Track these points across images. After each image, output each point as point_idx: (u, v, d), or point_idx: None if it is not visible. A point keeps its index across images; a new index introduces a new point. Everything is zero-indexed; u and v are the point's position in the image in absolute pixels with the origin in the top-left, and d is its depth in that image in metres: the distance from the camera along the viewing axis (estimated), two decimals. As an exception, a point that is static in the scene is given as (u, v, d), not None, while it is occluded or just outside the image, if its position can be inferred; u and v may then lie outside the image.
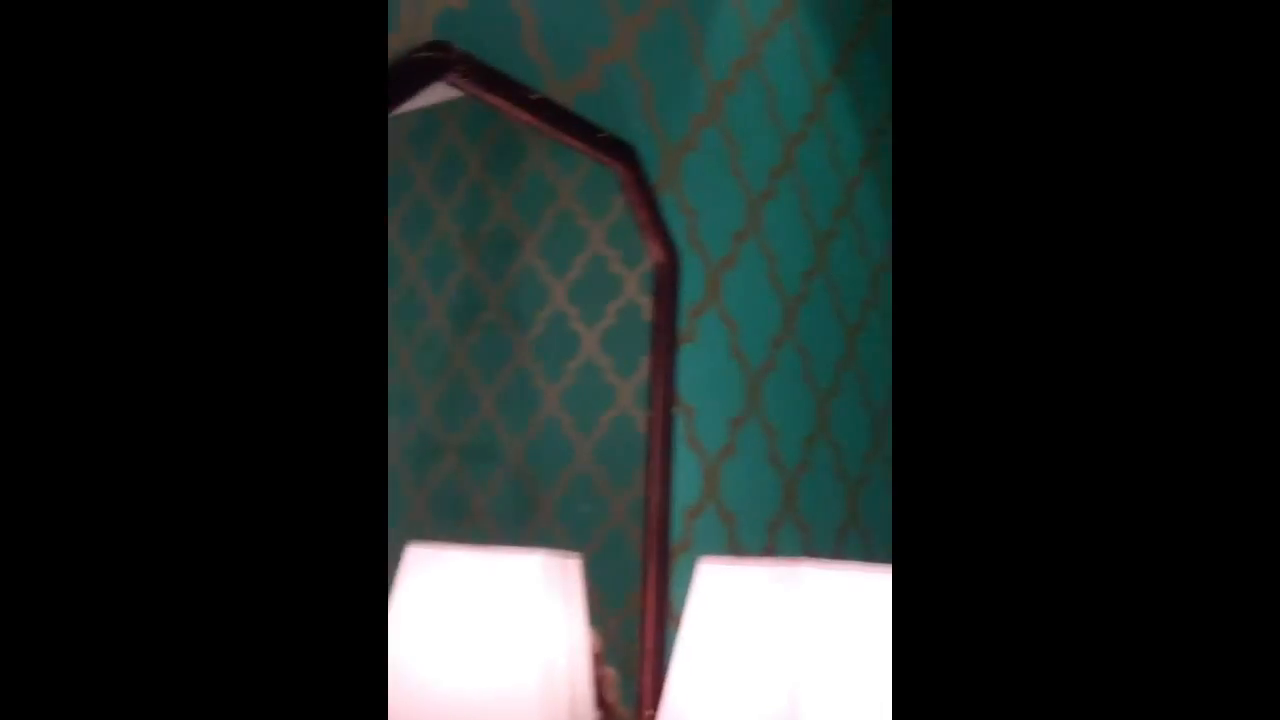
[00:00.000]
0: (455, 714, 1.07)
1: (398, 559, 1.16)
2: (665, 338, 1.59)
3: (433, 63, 1.25)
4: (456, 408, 1.38)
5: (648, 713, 1.51)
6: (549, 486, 1.45)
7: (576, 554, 1.23)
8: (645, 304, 1.59)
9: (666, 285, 1.60)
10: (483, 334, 1.41)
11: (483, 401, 1.40)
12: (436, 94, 1.30)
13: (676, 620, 1.56)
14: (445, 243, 1.39)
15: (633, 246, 1.57)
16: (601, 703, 1.46)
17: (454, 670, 1.09)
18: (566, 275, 1.49)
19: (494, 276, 1.44)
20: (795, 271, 2.00)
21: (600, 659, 1.47)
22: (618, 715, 1.49)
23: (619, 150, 1.53)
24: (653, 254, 1.59)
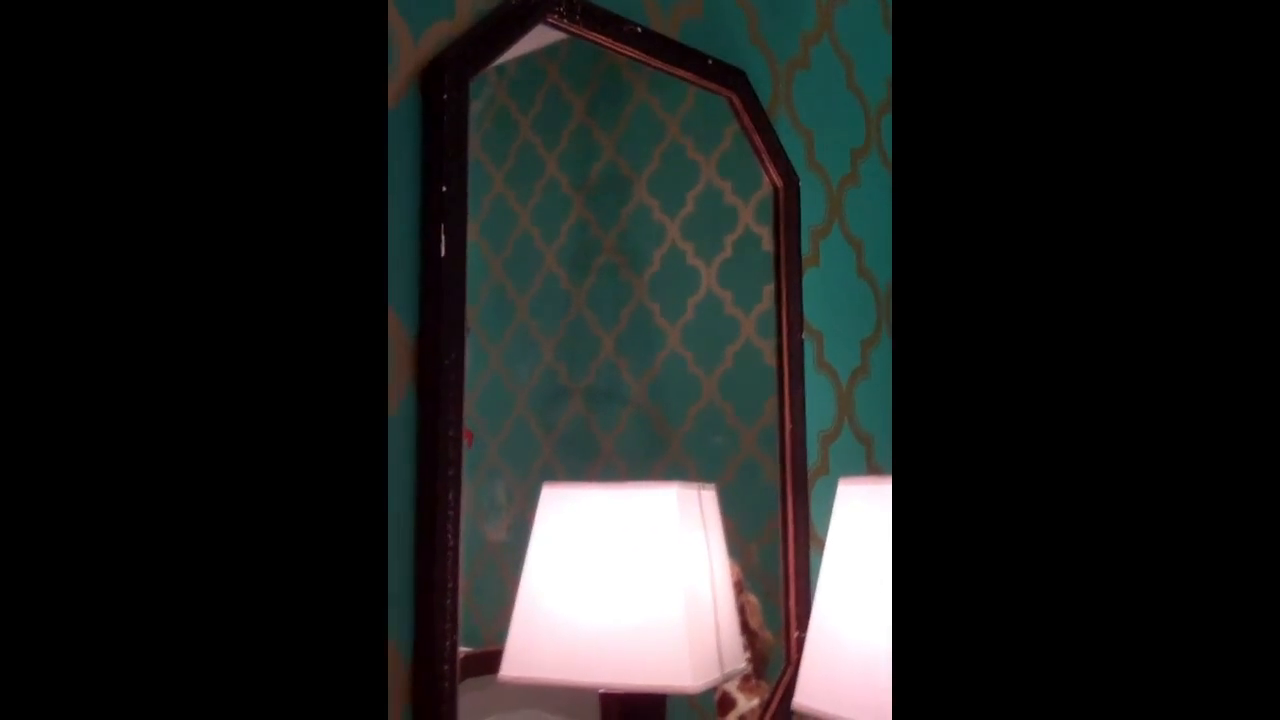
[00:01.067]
0: (604, 648, 1.10)
1: (533, 501, 1.19)
2: (790, 264, 1.57)
3: (531, 6, 1.24)
4: (579, 352, 1.40)
5: (796, 634, 1.52)
6: (677, 424, 1.46)
7: (712, 485, 1.24)
8: (763, 233, 1.56)
9: (787, 211, 1.57)
10: (600, 277, 1.42)
11: (604, 344, 1.41)
12: (536, 39, 1.30)
13: (818, 544, 1.56)
14: (555, 189, 1.40)
15: (746, 176, 1.54)
16: (745, 629, 1.48)
17: (598, 605, 1.11)
18: (680, 211, 1.48)
19: (606, 219, 1.44)
20: (923, 182, 1.93)
21: (741, 586, 1.49)
22: (762, 640, 1.51)
23: (730, 76, 1.49)
24: (770, 180, 1.56)
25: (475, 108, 1.21)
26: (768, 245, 1.56)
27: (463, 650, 1.18)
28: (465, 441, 1.31)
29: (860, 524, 1.12)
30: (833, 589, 1.14)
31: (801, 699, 1.14)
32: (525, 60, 1.34)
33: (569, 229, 1.40)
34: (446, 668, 1.08)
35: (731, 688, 1.47)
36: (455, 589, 1.08)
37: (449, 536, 1.08)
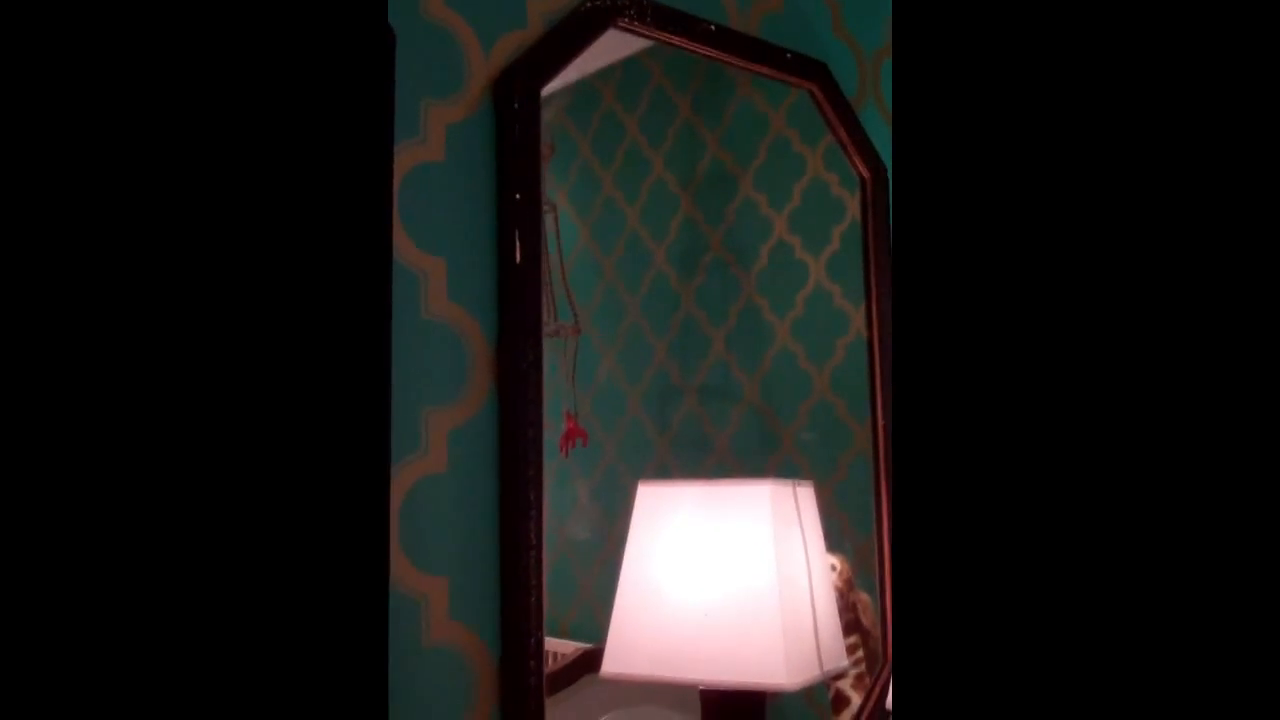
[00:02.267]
0: (700, 645, 1.10)
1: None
2: (879, 257, 1.53)
3: (599, 11, 1.23)
4: (690, 351, 1.40)
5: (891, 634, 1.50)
6: (789, 420, 1.46)
7: (809, 481, 1.23)
8: (870, 225, 1.55)
9: (875, 202, 1.54)
10: (708, 275, 1.42)
11: (715, 342, 1.41)
12: (639, 42, 1.30)
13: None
14: (662, 188, 1.40)
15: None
16: (858, 627, 1.47)
17: (694, 603, 1.11)
18: (787, 205, 1.47)
19: (713, 216, 1.44)
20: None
21: (852, 584, 1.47)
22: (874, 639, 1.50)
23: (810, 69, 1.47)
24: (857, 171, 1.54)
25: (547, 115, 1.22)
26: (876, 237, 1.55)
27: (584, 646, 1.19)
28: (581, 441, 1.32)
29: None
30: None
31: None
32: (630, 61, 1.34)
33: (677, 227, 1.40)
34: (533, 664, 1.09)
35: (845, 685, 1.46)
36: (540, 586, 1.09)
37: (531, 535, 1.09)
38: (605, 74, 1.34)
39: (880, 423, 1.51)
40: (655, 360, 1.38)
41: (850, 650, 1.46)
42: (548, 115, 1.21)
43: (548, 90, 1.27)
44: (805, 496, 1.20)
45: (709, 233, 1.43)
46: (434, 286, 1.07)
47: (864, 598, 1.49)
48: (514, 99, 1.14)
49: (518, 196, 1.13)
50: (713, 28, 1.35)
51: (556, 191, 1.30)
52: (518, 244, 1.13)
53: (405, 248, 1.05)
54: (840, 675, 1.42)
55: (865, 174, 1.54)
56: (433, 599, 1.03)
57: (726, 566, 1.12)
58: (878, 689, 1.46)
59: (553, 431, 1.28)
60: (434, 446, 1.05)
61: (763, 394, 1.44)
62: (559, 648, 1.27)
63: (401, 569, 1.01)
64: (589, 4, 1.23)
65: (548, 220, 1.28)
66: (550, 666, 1.27)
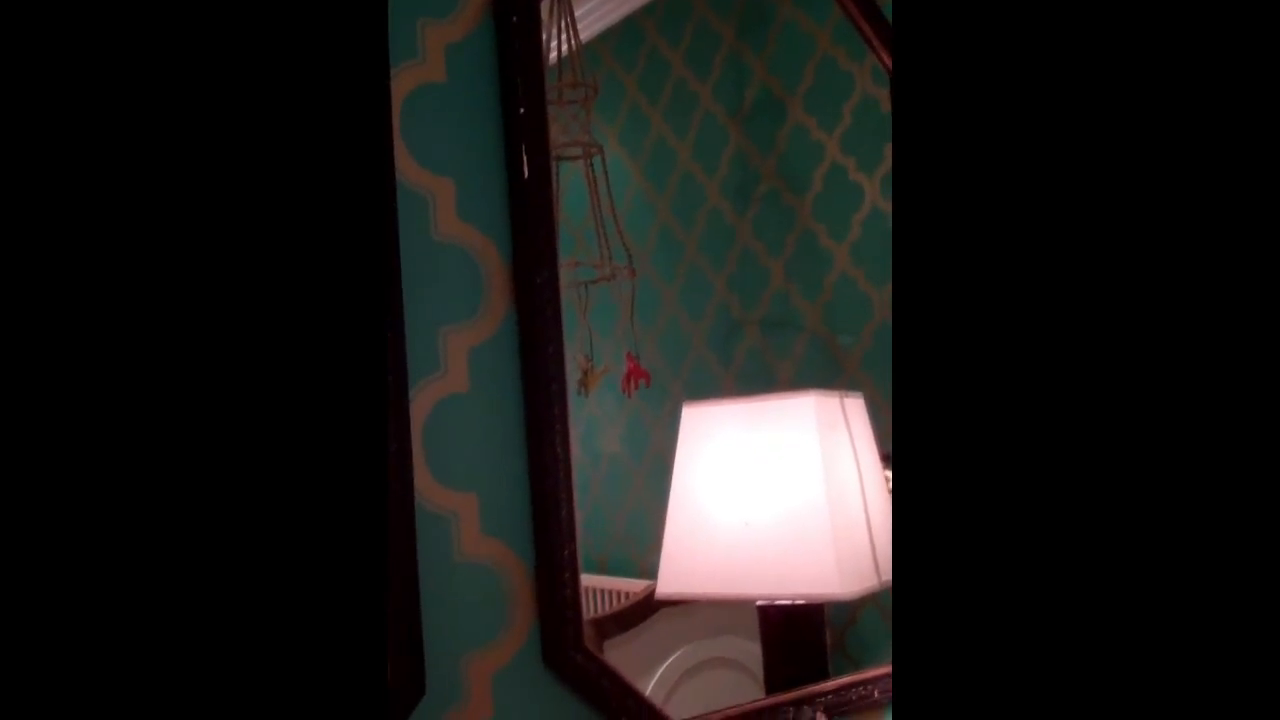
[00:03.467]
0: (752, 559, 1.08)
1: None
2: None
3: None
4: (749, 283, 1.38)
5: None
6: (852, 344, 1.41)
7: (858, 393, 1.18)
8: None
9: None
10: (763, 205, 1.40)
11: (774, 273, 1.39)
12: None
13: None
14: (711, 121, 1.39)
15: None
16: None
17: (744, 518, 1.10)
18: (837, 127, 1.43)
19: (764, 145, 1.42)
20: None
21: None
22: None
23: None
24: (883, 63, 1.42)
25: (593, 57, 1.22)
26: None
27: (655, 584, 1.18)
28: (643, 381, 1.32)
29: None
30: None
31: None
32: (670, -3, 1.34)
33: (728, 159, 1.39)
34: (567, 575, 1.08)
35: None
36: (570, 500, 1.09)
37: (558, 449, 1.09)
38: (648, 10, 1.35)
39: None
40: (715, 296, 1.37)
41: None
42: (593, 57, 1.22)
43: (590, 34, 1.29)
44: (854, 407, 1.17)
45: (760, 162, 1.41)
46: (443, 207, 1.08)
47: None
48: (512, 12, 1.12)
49: (521, 111, 1.12)
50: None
51: (605, 134, 1.31)
52: (524, 159, 1.11)
53: (410, 170, 1.06)
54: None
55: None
56: (463, 515, 1.05)
57: (773, 479, 1.10)
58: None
59: (616, 372, 1.29)
60: (454, 366, 1.06)
61: (825, 320, 1.40)
62: (630, 587, 1.27)
63: (428, 486, 1.03)
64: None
65: (596, 162, 1.29)
66: (620, 604, 1.27)
